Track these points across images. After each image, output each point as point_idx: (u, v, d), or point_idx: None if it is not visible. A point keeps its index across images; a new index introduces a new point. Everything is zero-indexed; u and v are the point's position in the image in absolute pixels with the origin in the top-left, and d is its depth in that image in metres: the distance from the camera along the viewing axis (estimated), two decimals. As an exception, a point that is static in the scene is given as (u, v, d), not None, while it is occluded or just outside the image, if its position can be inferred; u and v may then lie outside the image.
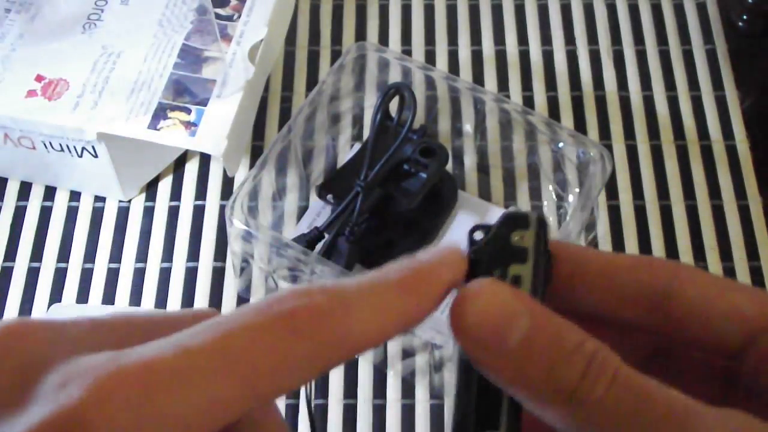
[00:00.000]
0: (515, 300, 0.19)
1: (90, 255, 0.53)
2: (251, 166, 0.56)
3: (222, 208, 0.55)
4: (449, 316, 0.20)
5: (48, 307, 0.51)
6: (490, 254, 0.22)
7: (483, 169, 0.56)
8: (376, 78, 0.55)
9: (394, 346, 0.48)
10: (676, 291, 0.22)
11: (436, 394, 0.48)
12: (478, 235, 0.22)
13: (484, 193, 0.55)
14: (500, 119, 0.53)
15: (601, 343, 0.19)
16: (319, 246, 0.49)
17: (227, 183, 0.56)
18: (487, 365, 0.19)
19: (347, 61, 0.53)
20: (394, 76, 0.54)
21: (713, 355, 0.22)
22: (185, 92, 0.52)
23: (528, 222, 0.22)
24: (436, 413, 0.48)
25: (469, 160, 0.56)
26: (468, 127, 0.55)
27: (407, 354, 0.48)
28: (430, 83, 0.54)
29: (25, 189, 0.56)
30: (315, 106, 0.52)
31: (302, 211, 0.54)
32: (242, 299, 0.52)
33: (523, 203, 0.54)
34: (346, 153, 0.56)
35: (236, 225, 0.46)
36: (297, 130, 0.50)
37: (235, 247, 0.50)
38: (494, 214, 0.53)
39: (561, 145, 0.50)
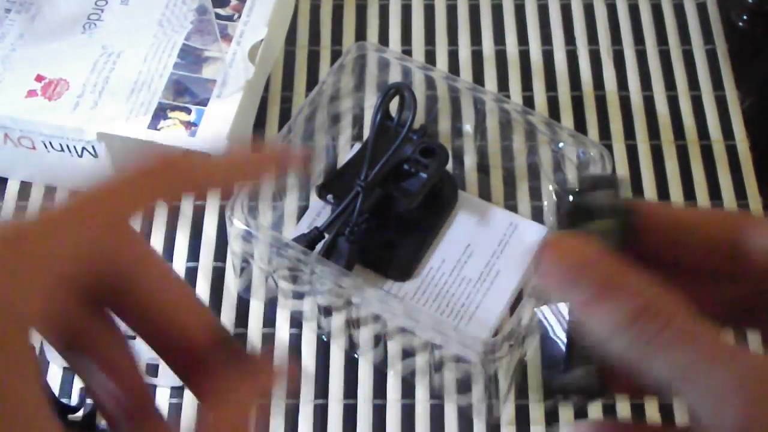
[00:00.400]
0: (589, 248, 0.22)
1: (90, 255, 0.53)
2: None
3: (222, 208, 0.55)
4: (533, 260, 0.22)
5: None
6: (577, 213, 0.24)
7: (483, 169, 0.56)
8: (376, 78, 0.55)
9: (394, 346, 0.48)
10: (749, 239, 0.23)
11: (436, 394, 0.48)
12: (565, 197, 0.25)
13: (484, 193, 0.55)
14: (500, 119, 0.53)
15: (664, 291, 0.21)
16: (319, 246, 0.49)
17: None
18: (566, 297, 0.23)
19: (347, 61, 0.53)
20: (394, 76, 0.54)
21: None
22: (185, 92, 0.52)
23: (610, 182, 0.24)
24: (436, 413, 0.48)
25: (469, 160, 0.56)
26: (468, 127, 0.55)
27: (407, 354, 0.48)
28: (430, 83, 0.54)
29: (25, 189, 0.56)
30: (315, 105, 0.52)
31: (302, 211, 0.54)
32: (242, 299, 0.52)
33: (523, 203, 0.54)
34: (346, 153, 0.56)
35: (236, 225, 0.46)
36: (297, 130, 0.50)
37: (235, 247, 0.50)
38: (494, 213, 0.53)
39: (561, 145, 0.50)
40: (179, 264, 0.53)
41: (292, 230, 0.53)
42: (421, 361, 0.48)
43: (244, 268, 0.50)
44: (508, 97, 0.60)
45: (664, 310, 0.21)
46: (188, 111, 0.51)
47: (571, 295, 0.22)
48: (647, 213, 0.24)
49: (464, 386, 0.47)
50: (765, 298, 0.25)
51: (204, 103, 0.51)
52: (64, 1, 0.57)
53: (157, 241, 0.54)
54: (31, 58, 0.54)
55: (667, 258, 0.24)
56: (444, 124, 0.56)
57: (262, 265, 0.49)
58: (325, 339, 0.50)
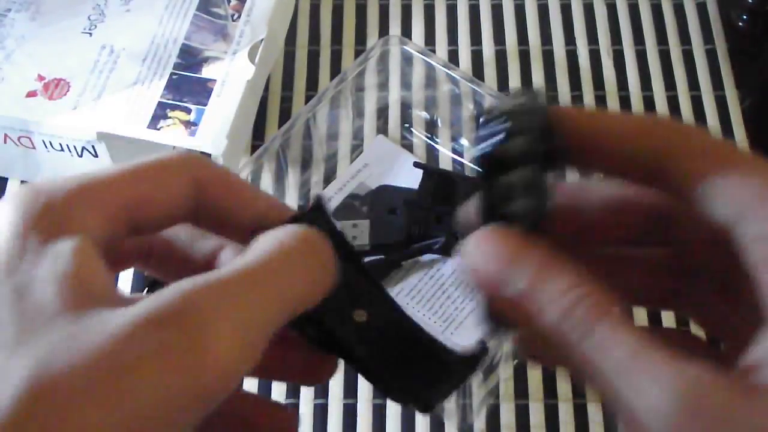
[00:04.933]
0: (515, 243, 0.21)
1: (90, 255, 0.53)
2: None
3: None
4: (461, 256, 0.21)
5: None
6: (493, 166, 0.22)
7: None
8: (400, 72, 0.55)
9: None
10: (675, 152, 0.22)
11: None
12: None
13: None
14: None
15: (597, 289, 0.20)
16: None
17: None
18: (491, 295, 0.21)
19: (372, 55, 0.53)
20: (418, 72, 0.54)
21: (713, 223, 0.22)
22: (185, 92, 0.52)
23: (530, 121, 0.22)
24: (436, 413, 0.48)
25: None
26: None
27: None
28: (455, 83, 0.54)
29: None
30: (338, 97, 0.52)
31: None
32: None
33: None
34: (347, 153, 0.56)
35: None
36: (320, 120, 0.50)
37: None
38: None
39: None
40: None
41: (295, 204, 0.53)
42: None
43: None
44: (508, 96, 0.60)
45: (599, 305, 0.20)
46: (188, 111, 0.51)
47: (504, 290, 0.21)
48: (569, 120, 0.23)
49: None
50: (691, 262, 0.24)
51: (204, 103, 0.51)
52: (64, 0, 0.57)
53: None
54: (32, 57, 0.54)
55: (596, 169, 0.23)
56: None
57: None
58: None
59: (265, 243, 0.21)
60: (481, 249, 0.21)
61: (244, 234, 0.23)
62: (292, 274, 0.21)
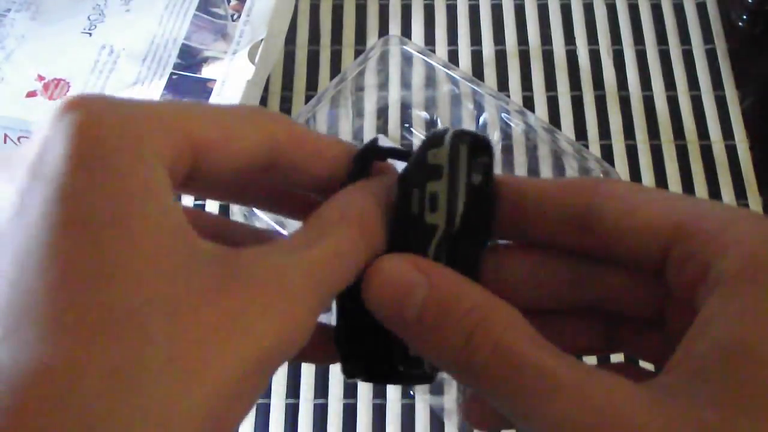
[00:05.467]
0: (412, 272, 0.21)
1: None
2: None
3: (222, 209, 0.55)
4: (362, 286, 0.21)
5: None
6: (411, 174, 0.22)
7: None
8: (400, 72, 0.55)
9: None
10: (597, 207, 0.22)
11: (436, 393, 0.48)
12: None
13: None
14: (526, 134, 0.53)
15: (498, 307, 0.20)
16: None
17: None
18: (396, 331, 0.21)
19: (372, 55, 0.53)
20: (419, 71, 0.54)
21: (639, 271, 0.22)
22: (185, 92, 0.52)
23: (442, 140, 0.22)
24: (437, 413, 0.48)
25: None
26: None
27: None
28: (455, 84, 0.54)
29: (25, 189, 0.56)
30: (338, 96, 0.52)
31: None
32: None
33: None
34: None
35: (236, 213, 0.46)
36: (320, 119, 0.50)
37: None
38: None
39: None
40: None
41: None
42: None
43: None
44: (509, 96, 0.60)
45: (493, 330, 0.19)
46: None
47: (398, 325, 0.21)
48: (507, 189, 0.23)
49: (439, 389, 0.47)
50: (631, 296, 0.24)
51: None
52: (64, 0, 0.57)
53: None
54: (32, 57, 0.54)
55: (527, 236, 0.23)
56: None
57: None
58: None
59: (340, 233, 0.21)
60: (381, 274, 0.21)
61: (317, 188, 0.23)
62: (348, 268, 0.21)
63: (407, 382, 0.23)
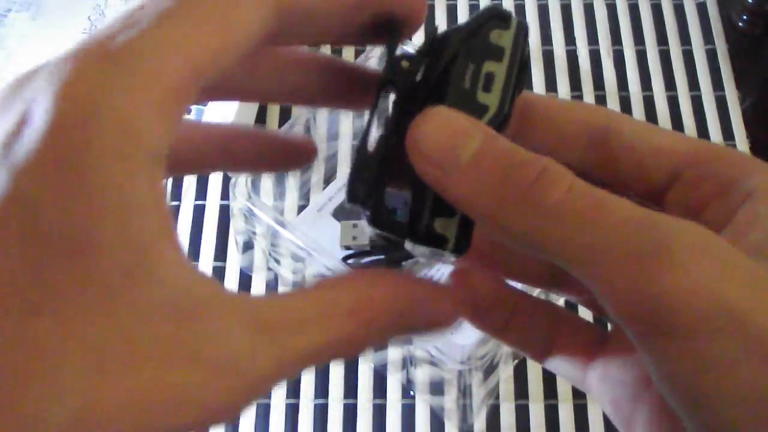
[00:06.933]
0: (467, 120, 0.20)
1: (90, 255, 0.53)
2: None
3: (222, 209, 0.55)
4: (407, 139, 0.20)
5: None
6: (468, 47, 0.21)
7: None
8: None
9: (395, 353, 0.49)
10: (613, 128, 0.22)
11: (436, 393, 0.48)
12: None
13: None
14: None
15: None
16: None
17: (227, 183, 0.56)
18: (442, 183, 0.20)
19: (372, 56, 0.53)
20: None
21: (643, 194, 0.22)
22: (185, 92, 0.52)
23: (509, 23, 0.21)
24: (437, 413, 0.48)
25: None
26: None
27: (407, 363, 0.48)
28: None
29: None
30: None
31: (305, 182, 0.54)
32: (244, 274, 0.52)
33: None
34: (347, 153, 0.56)
35: (239, 200, 0.46)
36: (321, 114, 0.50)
37: (238, 225, 0.50)
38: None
39: None
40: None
41: (294, 203, 0.53)
42: (396, 356, 0.48)
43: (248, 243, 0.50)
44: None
45: (565, 173, 0.19)
46: (188, 110, 0.51)
47: (447, 169, 0.19)
48: (526, 101, 0.23)
49: (439, 389, 0.47)
50: None
51: (204, 103, 0.51)
52: (64, 1, 0.57)
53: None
54: (32, 58, 0.54)
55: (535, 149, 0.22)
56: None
57: (264, 246, 0.49)
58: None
59: None
60: (435, 118, 0.20)
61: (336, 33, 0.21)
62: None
63: (420, 240, 0.21)
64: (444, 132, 0.20)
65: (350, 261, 0.50)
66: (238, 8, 0.18)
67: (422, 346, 0.42)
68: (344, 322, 0.18)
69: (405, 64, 0.21)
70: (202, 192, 0.56)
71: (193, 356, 0.16)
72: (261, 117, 0.59)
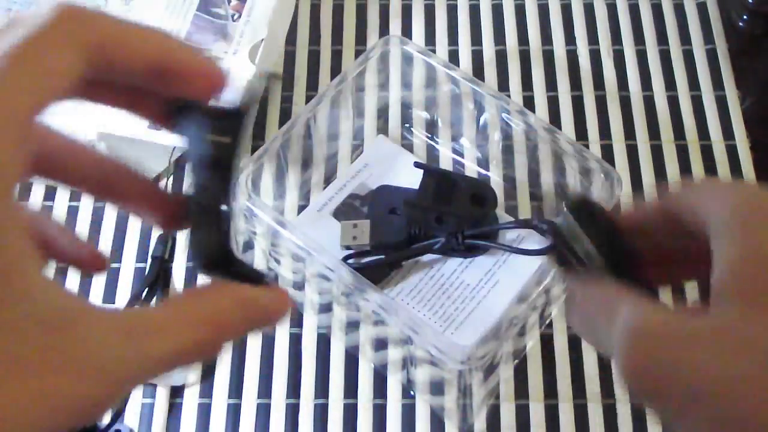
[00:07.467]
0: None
1: (90, 255, 0.53)
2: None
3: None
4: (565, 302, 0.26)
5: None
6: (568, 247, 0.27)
7: (508, 180, 0.55)
8: (401, 72, 0.55)
9: (395, 353, 0.49)
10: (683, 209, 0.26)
11: (436, 393, 0.48)
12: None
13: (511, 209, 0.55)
14: (526, 135, 0.52)
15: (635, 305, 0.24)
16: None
17: (227, 183, 0.56)
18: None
19: (372, 56, 0.53)
20: (419, 71, 0.54)
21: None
22: (185, 92, 0.52)
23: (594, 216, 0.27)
24: (437, 413, 0.48)
25: (495, 174, 0.56)
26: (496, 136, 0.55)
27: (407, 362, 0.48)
28: (455, 84, 0.54)
29: (25, 189, 0.56)
30: (339, 95, 0.52)
31: (306, 182, 0.54)
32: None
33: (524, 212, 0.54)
34: (347, 153, 0.56)
35: (239, 201, 0.46)
36: (321, 118, 0.50)
37: (238, 225, 0.50)
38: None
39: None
40: (180, 263, 0.53)
41: (294, 203, 0.53)
42: (396, 355, 0.48)
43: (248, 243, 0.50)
44: (509, 96, 0.60)
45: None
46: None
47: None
48: (623, 219, 0.27)
49: (439, 389, 0.47)
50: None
51: (204, 103, 0.51)
52: (65, 1, 0.57)
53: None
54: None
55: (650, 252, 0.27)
56: (470, 131, 0.56)
57: (264, 246, 0.49)
58: (324, 333, 0.50)
59: None
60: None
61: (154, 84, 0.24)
62: None
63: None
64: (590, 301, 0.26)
65: (350, 261, 0.50)
66: (47, 57, 0.20)
67: (422, 346, 0.42)
68: (201, 329, 0.21)
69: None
70: (202, 192, 0.56)
71: (64, 363, 0.18)
72: (261, 117, 0.59)
